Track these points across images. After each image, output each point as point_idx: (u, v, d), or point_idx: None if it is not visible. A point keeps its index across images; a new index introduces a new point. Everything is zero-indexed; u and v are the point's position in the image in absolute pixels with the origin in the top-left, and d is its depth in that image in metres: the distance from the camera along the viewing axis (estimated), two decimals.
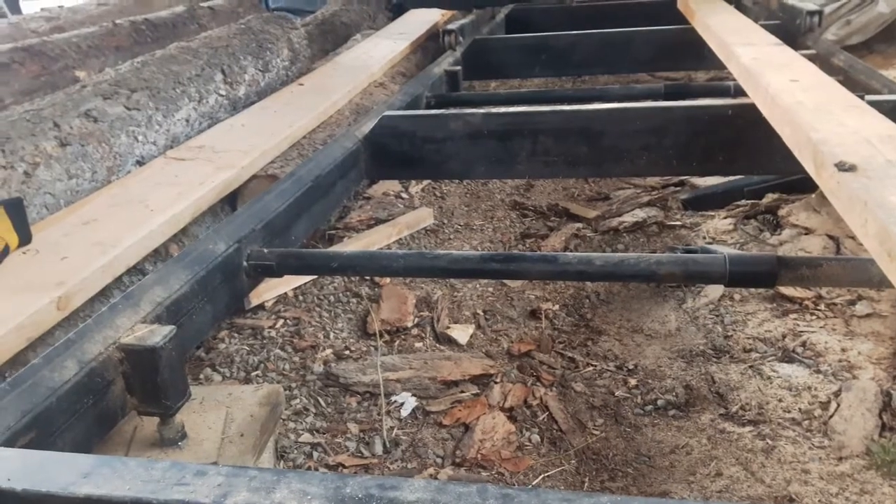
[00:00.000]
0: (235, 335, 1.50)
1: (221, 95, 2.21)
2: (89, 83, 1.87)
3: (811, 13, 2.52)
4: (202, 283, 1.12)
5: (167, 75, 2.02)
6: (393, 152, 1.73)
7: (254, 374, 1.36)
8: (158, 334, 0.94)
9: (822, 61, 2.25)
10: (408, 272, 1.28)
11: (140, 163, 1.79)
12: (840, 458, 1.01)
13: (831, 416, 1.07)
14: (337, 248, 1.70)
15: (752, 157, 1.63)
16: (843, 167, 1.04)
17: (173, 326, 0.96)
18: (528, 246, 1.86)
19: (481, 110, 1.73)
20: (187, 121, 2.01)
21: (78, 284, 1.21)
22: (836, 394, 1.11)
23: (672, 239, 1.79)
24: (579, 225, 1.92)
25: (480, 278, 1.50)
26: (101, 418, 0.91)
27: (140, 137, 1.82)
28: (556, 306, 1.56)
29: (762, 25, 2.64)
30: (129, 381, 0.94)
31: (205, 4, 3.04)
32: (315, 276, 1.64)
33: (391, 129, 1.72)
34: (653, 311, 1.49)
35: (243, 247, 1.22)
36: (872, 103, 1.54)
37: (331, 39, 3.39)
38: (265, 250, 1.24)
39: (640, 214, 1.87)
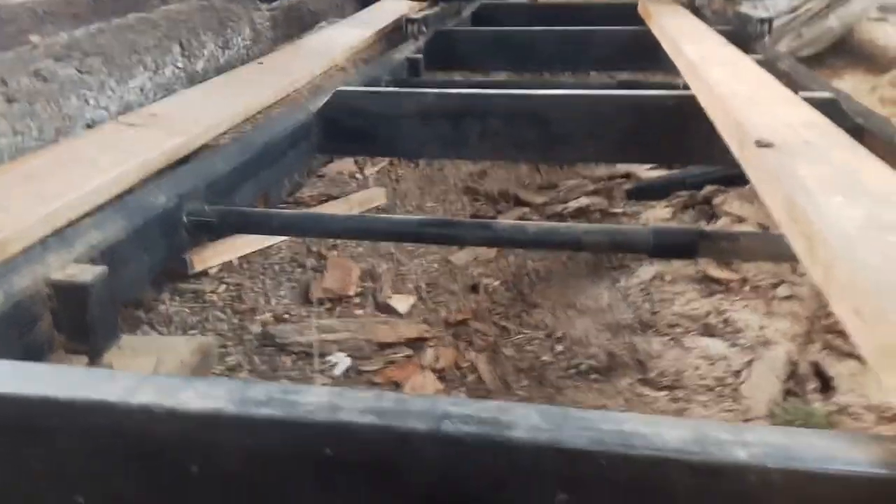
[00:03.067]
0: (177, 298, 1.51)
1: (179, 68, 2.20)
2: (42, 45, 1.86)
3: (762, 20, 2.62)
4: (139, 233, 1.13)
5: (123, 43, 2.02)
6: (345, 128, 1.76)
7: (191, 332, 1.37)
8: (89, 273, 0.95)
9: (770, 65, 2.34)
10: (348, 234, 1.31)
11: (90, 126, 1.78)
12: (745, 420, 1.07)
13: (742, 383, 1.13)
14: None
15: (694, 149, 1.69)
16: (761, 143, 1.10)
17: (105, 267, 0.97)
18: None
19: (434, 90, 1.76)
20: (142, 90, 2.01)
21: (17, 232, 1.21)
22: (749, 364, 1.18)
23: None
24: (526, 209, 1.97)
25: (418, 242, 1.54)
26: (27, 353, 0.92)
27: (91, 101, 1.81)
28: (497, 282, 1.61)
29: (716, 30, 2.74)
30: (57, 317, 0.95)
31: None
32: (261, 247, 1.66)
33: (344, 104, 1.75)
34: (588, 289, 1.55)
35: (184, 202, 1.24)
36: (806, 99, 1.62)
37: (296, 25, 3.40)
38: (206, 207, 1.25)
39: (584, 202, 1.92)
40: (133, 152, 1.59)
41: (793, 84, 2.04)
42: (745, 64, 1.73)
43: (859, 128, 1.58)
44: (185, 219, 1.24)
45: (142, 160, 1.55)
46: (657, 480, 0.53)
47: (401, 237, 1.21)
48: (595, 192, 2.00)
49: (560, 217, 1.89)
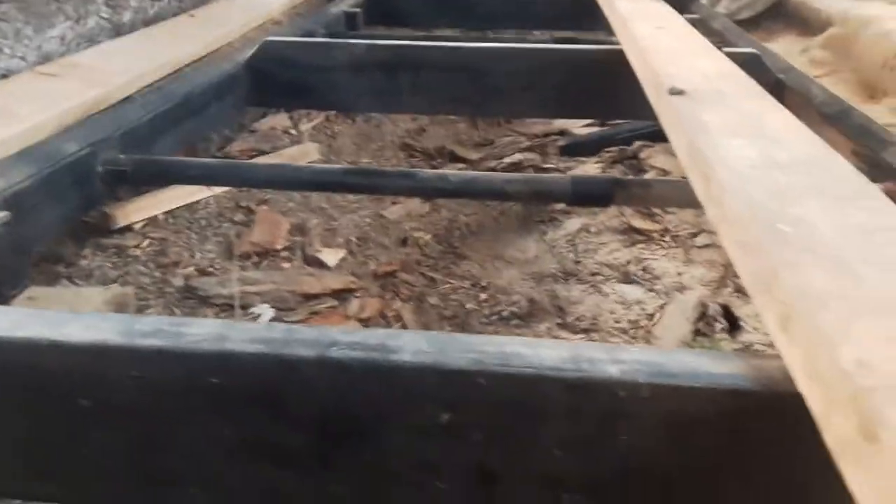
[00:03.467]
0: (99, 253, 1.47)
1: (103, 18, 2.12)
2: None
3: None
4: (48, 180, 1.09)
5: None
6: (276, 80, 1.72)
7: (111, 285, 1.34)
8: None
9: (703, 24, 2.38)
10: (269, 184, 1.29)
11: (5, 76, 1.71)
12: None
13: (654, 325, 1.17)
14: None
15: (624, 103, 1.71)
16: (674, 91, 1.12)
17: (7, 213, 0.94)
18: None
19: (365, 41, 1.74)
20: (62, 39, 1.93)
21: None
22: (662, 307, 1.22)
23: None
24: (461, 165, 1.98)
25: (342, 192, 1.53)
26: None
27: (7, 50, 1.73)
28: (429, 236, 1.61)
29: None
30: None
31: None
32: (188, 201, 1.63)
33: (274, 54, 1.71)
34: (517, 242, 1.57)
35: (98, 151, 1.20)
36: (730, 54, 1.65)
37: None
38: (121, 156, 1.22)
39: (518, 157, 1.94)
40: (51, 102, 1.53)
41: (724, 42, 2.09)
42: (673, 19, 1.75)
43: (780, 82, 1.63)
44: (99, 168, 1.21)
45: (59, 110, 1.50)
46: (534, 397, 0.55)
47: (324, 186, 1.20)
48: (529, 149, 2.02)
49: (493, 172, 1.90)
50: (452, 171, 1.17)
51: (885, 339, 0.48)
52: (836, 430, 0.41)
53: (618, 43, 2.12)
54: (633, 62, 1.50)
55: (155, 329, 0.59)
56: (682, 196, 1.17)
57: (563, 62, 1.68)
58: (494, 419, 0.56)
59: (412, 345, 0.56)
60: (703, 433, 0.54)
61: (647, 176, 1.73)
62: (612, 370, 0.54)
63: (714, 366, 0.55)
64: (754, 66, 1.67)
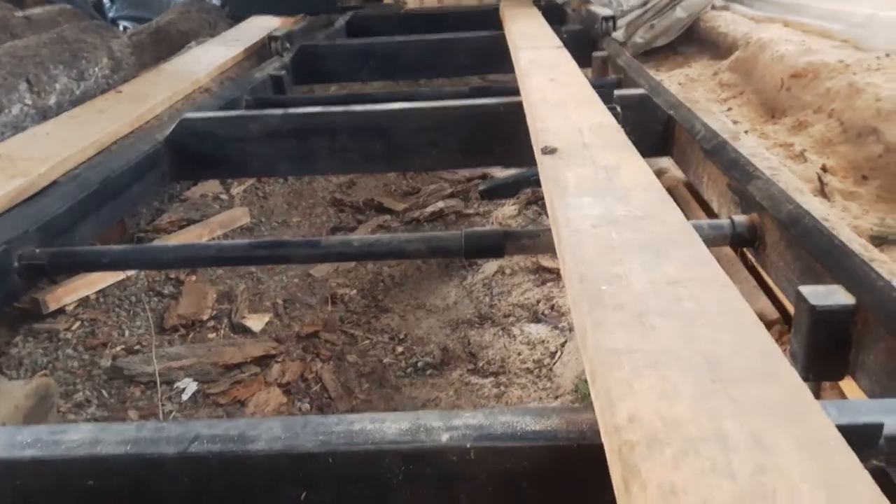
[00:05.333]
0: (30, 339, 1.51)
1: (27, 105, 2.17)
2: None
3: (605, 18, 2.80)
4: None
5: None
6: (195, 153, 1.78)
7: (41, 372, 1.38)
8: None
9: (611, 61, 2.52)
10: (177, 264, 1.35)
11: None
12: (556, 397, 1.18)
13: (555, 363, 1.24)
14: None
15: (524, 150, 1.81)
16: (546, 150, 1.22)
17: None
18: None
19: (279, 111, 1.82)
20: None
21: None
22: (563, 345, 1.30)
23: (467, 226, 1.95)
24: (387, 217, 2.05)
25: (248, 265, 1.59)
26: None
27: None
28: (354, 291, 1.68)
29: (569, 30, 2.90)
30: None
31: (20, 14, 2.94)
32: (116, 280, 1.67)
33: (191, 130, 1.78)
34: (438, 289, 1.64)
35: (13, 248, 1.25)
36: (621, 96, 1.77)
37: (165, 47, 3.36)
38: (37, 250, 1.27)
39: (440, 205, 2.02)
40: None
41: (625, 77, 2.22)
42: (566, 67, 1.87)
43: (671, 119, 1.74)
44: (15, 263, 1.25)
45: None
46: (377, 471, 0.61)
47: (231, 261, 1.26)
48: (452, 195, 2.11)
49: (418, 222, 1.98)
50: (355, 237, 1.24)
51: (658, 395, 0.56)
52: (614, 481, 0.49)
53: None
54: (527, 115, 1.60)
55: (35, 439, 0.64)
56: None
57: (467, 117, 1.78)
58: (345, 494, 0.62)
59: (268, 433, 0.63)
60: (524, 487, 0.61)
61: None
62: (444, 437, 0.61)
63: (532, 423, 0.62)
64: (646, 106, 1.79)
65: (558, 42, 2.27)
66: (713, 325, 0.63)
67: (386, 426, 0.63)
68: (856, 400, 0.86)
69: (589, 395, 0.58)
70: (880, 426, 0.57)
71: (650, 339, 0.62)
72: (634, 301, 0.69)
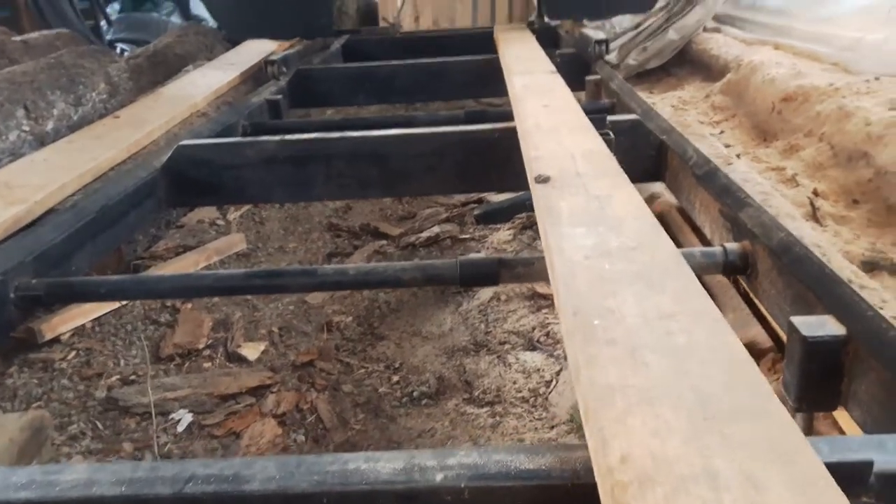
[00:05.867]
0: (25, 370, 1.50)
1: (25, 131, 2.18)
2: None
3: (598, 42, 2.83)
4: None
5: None
6: (192, 180, 1.79)
7: (35, 404, 1.37)
8: None
9: (604, 85, 2.55)
10: (175, 294, 1.35)
11: None
12: (552, 427, 1.18)
13: (550, 392, 1.25)
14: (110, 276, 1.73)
15: (518, 175, 1.83)
16: (539, 179, 1.23)
17: None
18: (331, 264, 1.97)
19: (275, 138, 1.83)
20: None
21: None
22: (558, 373, 1.30)
23: (462, 251, 1.96)
24: (383, 242, 2.06)
25: (245, 294, 1.59)
26: None
27: None
28: (349, 318, 1.68)
29: (562, 54, 2.93)
30: None
31: (18, 38, 2.96)
32: (111, 308, 1.67)
33: (188, 157, 1.79)
34: (434, 316, 1.64)
35: (9, 279, 1.25)
36: (614, 122, 1.78)
37: (162, 71, 3.39)
38: (33, 281, 1.27)
39: (436, 230, 2.03)
40: None
41: (618, 101, 2.24)
42: (559, 93, 1.89)
43: (663, 144, 1.76)
44: (12, 294, 1.25)
45: None
46: None
47: (227, 291, 1.27)
48: (448, 220, 2.11)
49: (414, 247, 1.99)
50: (350, 265, 1.25)
51: (650, 432, 0.57)
52: None
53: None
54: (521, 141, 1.62)
55: (29, 480, 0.64)
56: None
57: (463, 143, 1.79)
58: None
59: (262, 473, 0.63)
60: None
61: None
62: (439, 477, 0.62)
63: (527, 461, 0.63)
64: (638, 131, 1.80)
65: (552, 67, 2.30)
66: (704, 361, 0.64)
67: (380, 466, 0.63)
68: (846, 437, 0.86)
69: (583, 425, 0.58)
70: (871, 463, 0.57)
71: (642, 375, 0.63)
72: (627, 335, 0.69)
